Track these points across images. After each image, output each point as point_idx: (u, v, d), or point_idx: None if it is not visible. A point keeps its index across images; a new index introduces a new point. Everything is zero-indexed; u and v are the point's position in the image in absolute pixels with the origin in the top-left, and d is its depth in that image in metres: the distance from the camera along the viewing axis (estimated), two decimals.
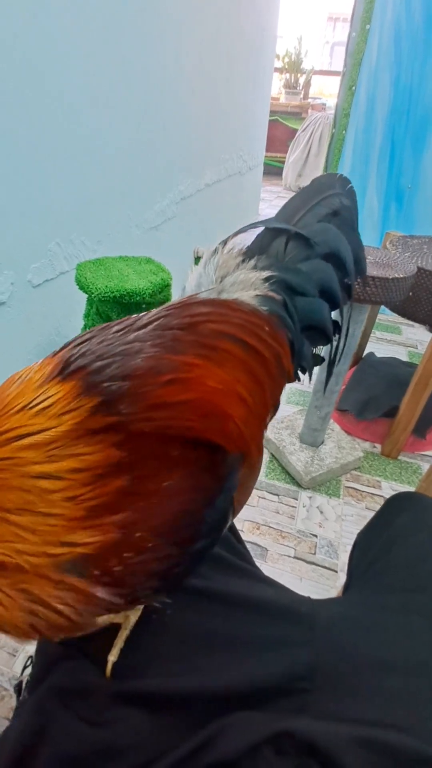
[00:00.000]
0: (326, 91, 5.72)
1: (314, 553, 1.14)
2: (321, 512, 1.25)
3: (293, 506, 1.26)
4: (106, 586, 0.28)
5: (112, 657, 0.40)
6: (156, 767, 0.34)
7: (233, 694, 0.39)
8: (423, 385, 1.27)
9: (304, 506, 1.26)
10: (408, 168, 1.95)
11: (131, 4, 1.37)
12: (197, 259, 2.40)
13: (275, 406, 0.43)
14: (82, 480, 0.28)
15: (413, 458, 1.46)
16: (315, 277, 0.45)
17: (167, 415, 0.31)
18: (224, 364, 0.36)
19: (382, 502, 0.70)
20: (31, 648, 0.86)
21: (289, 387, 1.73)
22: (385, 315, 2.26)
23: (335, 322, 0.49)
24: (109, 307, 1.15)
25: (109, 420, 0.29)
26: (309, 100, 4.92)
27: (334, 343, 0.52)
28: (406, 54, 1.80)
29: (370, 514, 0.66)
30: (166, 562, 0.31)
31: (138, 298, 1.09)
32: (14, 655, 0.90)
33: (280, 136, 4.57)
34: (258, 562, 1.09)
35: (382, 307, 1.89)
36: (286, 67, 4.73)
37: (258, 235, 0.47)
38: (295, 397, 1.72)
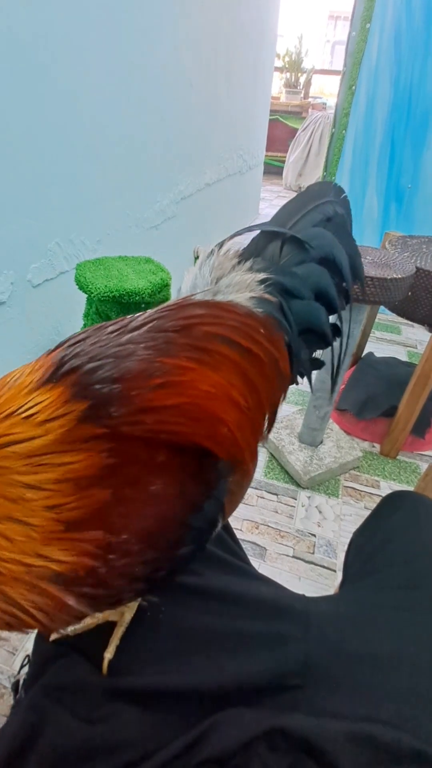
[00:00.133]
0: (327, 91, 5.72)
1: (313, 553, 1.14)
2: (320, 512, 1.25)
3: (292, 506, 1.26)
4: (81, 597, 0.28)
5: (108, 654, 0.40)
6: (150, 763, 0.34)
7: (227, 690, 0.39)
8: (422, 385, 1.27)
9: (302, 506, 1.26)
10: (408, 167, 1.95)
11: (131, 4, 1.37)
12: (197, 259, 2.40)
13: (274, 410, 0.42)
14: (64, 491, 0.28)
15: (412, 458, 1.46)
16: (310, 280, 0.45)
17: (157, 419, 0.31)
18: (218, 368, 0.35)
19: None
20: (30, 646, 0.87)
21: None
22: (385, 315, 2.26)
23: (335, 326, 0.49)
24: (109, 306, 1.16)
25: (96, 428, 0.29)
26: (309, 99, 4.91)
27: (336, 350, 0.51)
28: (406, 53, 1.80)
29: (369, 513, 0.66)
30: (150, 566, 0.31)
31: (137, 298, 1.09)
32: (14, 654, 0.91)
33: (280, 135, 4.56)
34: (257, 562, 1.11)
35: (382, 306, 1.89)
36: (287, 66, 4.72)
37: (253, 238, 0.47)
38: (294, 397, 1.73)
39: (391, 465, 1.42)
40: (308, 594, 0.53)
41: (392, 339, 2.15)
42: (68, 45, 1.16)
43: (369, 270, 1.01)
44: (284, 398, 0.44)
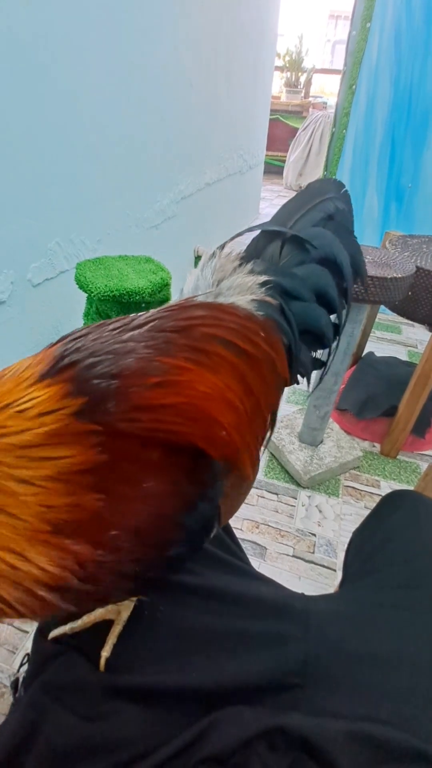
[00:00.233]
0: (327, 90, 5.71)
1: (313, 552, 1.14)
2: (320, 511, 1.25)
3: (292, 505, 1.26)
4: (67, 592, 0.28)
5: (105, 653, 0.40)
6: (150, 761, 0.34)
7: (227, 689, 0.39)
8: (422, 385, 1.27)
9: (303, 505, 1.26)
10: (408, 167, 1.95)
11: (131, 4, 1.37)
12: (197, 259, 2.40)
13: (273, 414, 0.42)
14: (55, 490, 0.28)
15: (412, 457, 1.46)
16: (310, 281, 0.45)
17: (153, 418, 0.31)
18: (216, 369, 0.35)
19: None
20: (30, 645, 0.87)
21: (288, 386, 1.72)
22: (386, 314, 2.26)
23: (335, 326, 0.49)
24: (109, 306, 1.16)
25: (91, 424, 0.29)
26: (310, 98, 4.91)
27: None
28: (406, 53, 1.80)
29: (369, 513, 0.66)
30: (141, 565, 0.31)
31: (137, 298, 1.09)
32: (14, 653, 0.91)
33: (280, 134, 4.56)
34: (257, 561, 1.11)
35: (382, 306, 1.89)
36: (287, 65, 4.72)
37: (254, 238, 0.47)
38: (295, 397, 1.73)
39: (391, 465, 1.42)
40: (308, 593, 0.53)
41: (392, 338, 2.15)
42: (68, 45, 1.16)
43: (369, 269, 1.01)
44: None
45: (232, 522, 1.13)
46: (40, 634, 0.44)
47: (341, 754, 0.34)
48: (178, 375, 0.33)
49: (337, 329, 0.50)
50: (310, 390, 1.22)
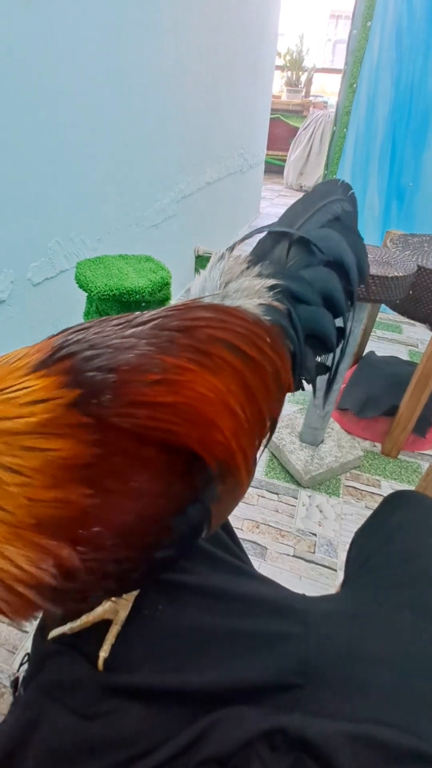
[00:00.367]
0: (328, 89, 5.71)
1: (313, 552, 1.14)
2: (320, 511, 1.25)
3: (293, 505, 1.26)
4: (44, 590, 0.27)
5: (103, 653, 0.40)
6: (150, 761, 0.34)
7: (226, 689, 0.39)
8: (423, 384, 1.26)
9: (303, 505, 1.26)
10: (409, 166, 1.95)
11: (131, 4, 1.37)
12: (198, 258, 2.40)
13: (273, 421, 0.41)
14: (42, 482, 0.27)
15: (413, 457, 1.45)
16: (317, 285, 0.44)
17: (149, 415, 0.30)
18: (218, 373, 0.34)
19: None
20: (29, 645, 0.87)
21: None
22: (386, 314, 2.25)
23: (339, 329, 0.48)
24: (109, 305, 1.15)
25: (83, 416, 0.28)
26: (310, 98, 4.90)
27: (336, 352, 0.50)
28: (407, 52, 1.79)
29: (370, 513, 0.66)
30: (123, 565, 0.30)
31: (137, 297, 1.09)
32: (14, 653, 0.91)
33: (281, 134, 4.56)
34: (257, 561, 1.10)
35: (383, 305, 1.89)
36: (288, 64, 4.71)
37: (260, 239, 0.46)
38: (295, 396, 1.72)
39: (392, 464, 1.42)
40: (309, 593, 0.53)
41: (393, 338, 2.15)
42: (68, 45, 1.16)
43: (370, 268, 1.01)
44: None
45: (233, 522, 1.13)
46: (40, 634, 0.44)
47: (342, 755, 0.34)
48: (179, 374, 0.32)
49: (342, 333, 0.49)
50: (321, 398, 1.20)
